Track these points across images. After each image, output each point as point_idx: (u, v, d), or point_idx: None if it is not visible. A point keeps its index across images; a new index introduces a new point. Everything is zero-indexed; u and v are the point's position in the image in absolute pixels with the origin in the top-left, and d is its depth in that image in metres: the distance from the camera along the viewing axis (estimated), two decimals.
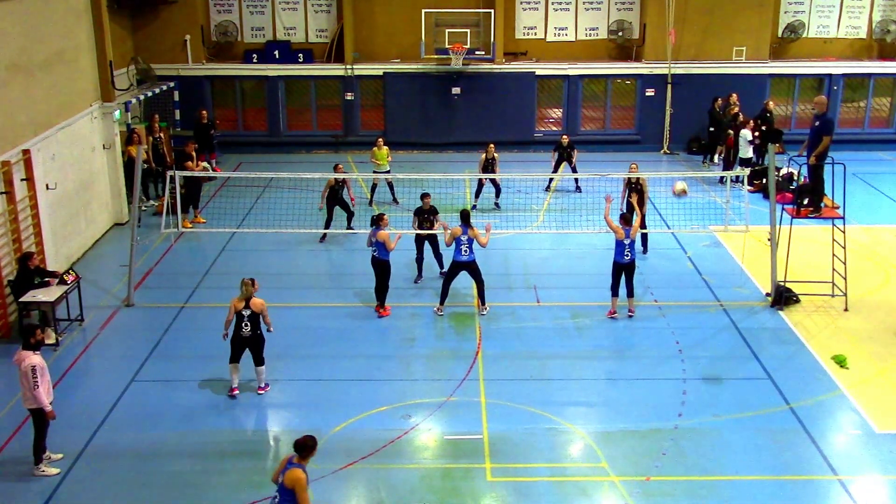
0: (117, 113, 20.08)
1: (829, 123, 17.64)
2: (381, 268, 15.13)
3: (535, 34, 26.98)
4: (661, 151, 26.60)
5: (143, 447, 11.42)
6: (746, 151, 22.49)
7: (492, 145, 20.90)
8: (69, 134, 17.79)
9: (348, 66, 26.03)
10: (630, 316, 15.21)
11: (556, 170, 22.22)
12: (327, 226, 18.74)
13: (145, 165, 19.99)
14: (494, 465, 11.04)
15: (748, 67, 26.20)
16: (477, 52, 25.58)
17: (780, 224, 16.24)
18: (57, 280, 14.70)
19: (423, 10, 25.13)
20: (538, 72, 26.32)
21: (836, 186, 15.97)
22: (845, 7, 26.90)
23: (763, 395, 12.71)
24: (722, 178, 21.26)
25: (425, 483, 10.71)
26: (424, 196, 16.52)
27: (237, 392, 12.64)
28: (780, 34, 26.80)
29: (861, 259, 17.65)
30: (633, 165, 17.72)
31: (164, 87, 24.17)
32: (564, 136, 22.62)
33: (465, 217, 15.19)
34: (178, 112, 25.30)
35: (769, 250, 16.00)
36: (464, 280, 15.49)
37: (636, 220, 15.33)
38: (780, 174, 20.76)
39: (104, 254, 18.49)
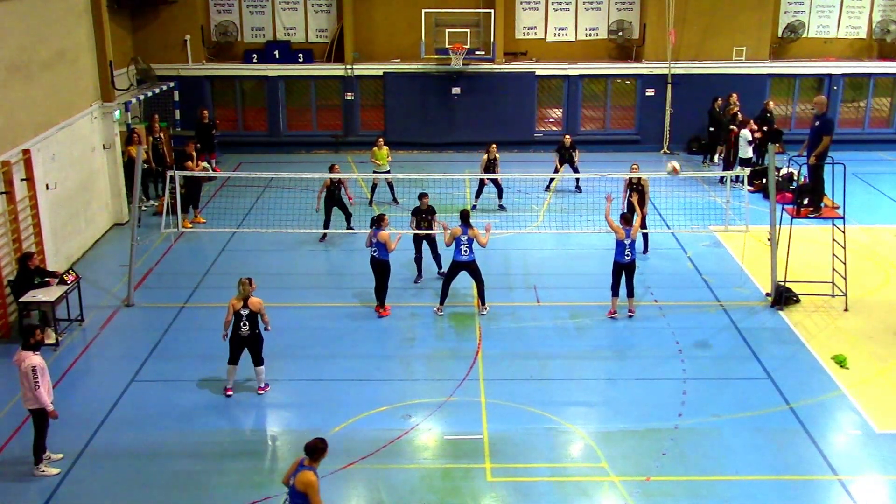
0: (117, 113, 20.08)
1: (829, 123, 17.64)
2: (381, 268, 15.13)
3: (535, 34, 26.98)
4: (661, 151, 26.59)
5: (143, 447, 11.42)
6: (746, 151, 22.50)
7: (493, 146, 20.89)
8: (69, 134, 17.79)
9: (348, 66, 26.03)
10: (630, 316, 15.21)
11: (557, 170, 22.20)
12: (326, 226, 18.74)
13: (145, 165, 19.99)
14: (494, 465, 11.05)
15: (748, 67, 26.20)
16: (477, 52, 25.58)
17: (780, 224, 16.24)
18: (57, 280, 14.70)
19: (423, 10, 25.13)
20: (538, 72, 26.32)
21: (836, 186, 15.98)
22: (845, 7, 26.90)
23: (763, 395, 12.71)
24: (722, 178, 21.27)
25: (425, 483, 10.71)
26: (423, 196, 16.51)
27: (231, 392, 12.64)
28: (780, 34, 26.80)
29: (861, 259, 17.65)
30: (635, 166, 17.71)
31: (164, 87, 24.18)
32: (567, 137, 22.59)
33: (464, 217, 15.19)
34: (178, 112, 25.30)
35: (769, 250, 16.00)
36: (464, 280, 15.49)
37: (637, 220, 15.33)
38: (780, 174, 20.76)
39: (104, 254, 18.49)
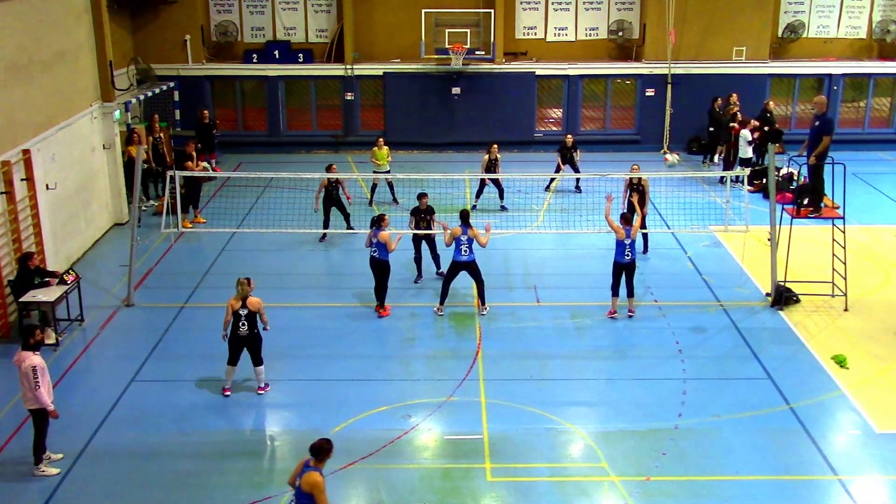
0: (117, 113, 20.08)
1: (829, 123, 17.64)
2: (381, 268, 15.13)
3: (535, 34, 26.98)
4: (661, 151, 26.57)
5: (143, 447, 11.42)
6: (746, 151, 22.50)
7: (495, 146, 20.87)
8: (69, 134, 17.79)
9: (348, 66, 26.03)
10: (630, 316, 15.21)
11: (558, 170, 22.16)
12: (325, 226, 18.73)
13: (145, 165, 19.99)
14: (494, 465, 11.05)
15: (748, 67, 26.20)
16: (477, 52, 25.58)
17: (780, 224, 16.24)
18: (57, 280, 14.70)
19: (423, 10, 25.13)
20: (538, 72, 26.32)
21: (836, 186, 15.98)
22: (845, 7, 26.90)
23: (763, 395, 12.71)
24: (722, 178, 21.27)
25: (425, 483, 10.71)
26: (422, 196, 16.48)
27: (229, 393, 12.65)
28: (780, 34, 26.80)
29: (861, 259, 17.65)
30: (635, 167, 17.72)
31: (164, 87, 24.18)
32: (569, 136, 22.55)
33: (464, 217, 15.18)
34: (178, 112, 25.30)
35: (769, 250, 16.00)
36: (464, 280, 15.49)
37: (637, 219, 15.32)
38: (780, 174, 20.76)
39: (104, 254, 18.49)
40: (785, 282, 15.68)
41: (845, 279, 15.56)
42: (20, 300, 14.21)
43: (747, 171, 19.77)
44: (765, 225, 16.92)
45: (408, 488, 10.60)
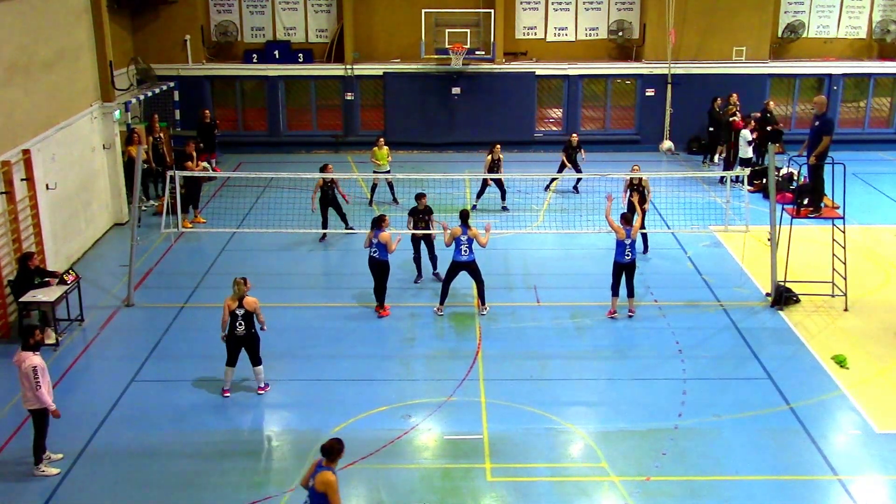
0: (117, 113, 20.08)
1: (829, 123, 17.63)
2: (381, 268, 15.13)
3: (535, 34, 26.99)
4: (667, 151, 26.56)
5: (143, 447, 11.42)
6: (746, 151, 22.51)
7: (498, 146, 20.82)
8: (69, 134, 17.79)
9: (348, 66, 26.03)
10: (630, 316, 15.21)
11: (561, 170, 22.11)
12: (324, 226, 18.72)
13: (145, 165, 19.99)
14: (494, 465, 11.04)
15: (748, 67, 26.20)
16: (477, 52, 25.58)
17: (780, 224, 16.24)
18: (57, 280, 14.69)
19: (423, 10, 25.14)
20: (538, 72, 26.32)
21: (836, 186, 15.98)
22: (845, 7, 26.91)
23: (763, 395, 12.71)
24: (722, 178, 21.28)
25: (425, 483, 10.71)
26: (421, 196, 16.45)
27: (228, 394, 12.65)
28: (780, 34, 26.81)
29: (861, 259, 17.65)
30: (636, 167, 17.72)
31: (164, 87, 24.18)
32: (574, 136, 22.49)
33: (464, 217, 15.18)
34: (178, 112, 25.31)
35: (769, 250, 16.00)
36: (464, 280, 15.48)
37: (637, 219, 15.32)
38: (780, 174, 20.77)
39: (104, 254, 18.49)
40: (785, 282, 15.68)
41: (845, 279, 15.56)
42: (20, 300, 14.20)
43: (747, 171, 19.77)
44: (765, 225, 16.92)
45: (408, 488, 10.60)
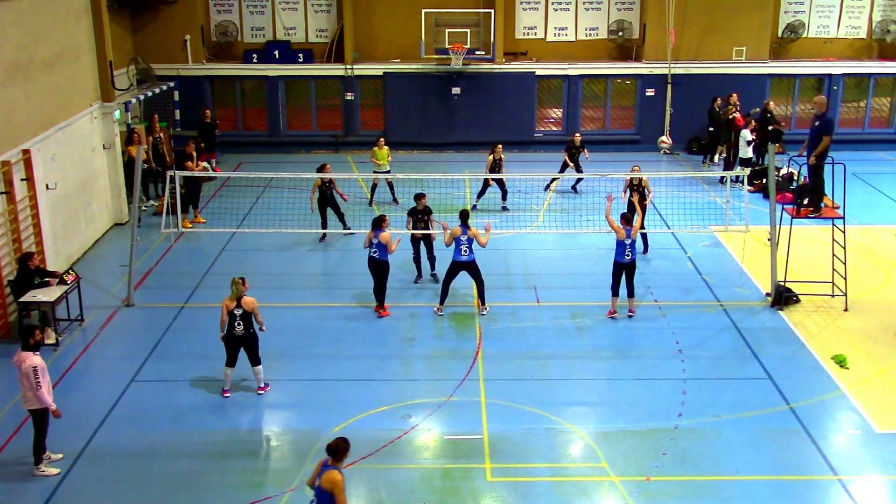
0: (117, 113, 20.08)
1: (829, 123, 17.62)
2: (381, 269, 15.13)
3: (535, 34, 26.99)
4: (661, 152, 26.57)
5: (143, 447, 11.42)
6: (746, 151, 22.52)
7: (500, 146, 20.81)
8: (69, 134, 17.79)
9: (348, 66, 26.03)
10: (630, 316, 15.21)
11: (563, 170, 22.07)
12: (324, 226, 18.72)
13: (145, 165, 19.99)
14: (494, 465, 11.04)
15: (748, 67, 26.20)
16: (477, 52, 25.58)
17: (780, 224, 16.24)
18: (57, 280, 14.69)
19: (423, 10, 25.14)
20: (538, 72, 26.32)
21: (836, 186, 15.97)
22: (845, 7, 26.91)
23: (763, 395, 12.71)
24: (722, 178, 21.28)
25: (425, 483, 10.71)
26: (420, 197, 16.42)
27: (228, 394, 12.65)
28: (780, 34, 26.81)
29: (861, 259, 17.65)
30: (636, 167, 17.72)
31: (164, 87, 24.18)
32: (577, 135, 22.44)
33: (464, 217, 15.18)
34: (178, 112, 25.30)
35: (769, 250, 16.00)
36: (464, 280, 15.48)
37: (637, 219, 15.32)
38: (780, 174, 20.77)
39: (104, 254, 18.50)
40: (785, 282, 15.68)
41: (845, 279, 15.56)
42: (20, 300, 14.20)
43: (747, 171, 19.77)
44: (765, 225, 16.92)
45: (408, 488, 10.60)
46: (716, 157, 24.91)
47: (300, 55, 26.12)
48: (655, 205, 20.23)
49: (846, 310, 15.45)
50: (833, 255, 15.78)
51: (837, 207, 17.81)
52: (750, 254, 17.54)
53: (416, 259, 16.72)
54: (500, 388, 12.83)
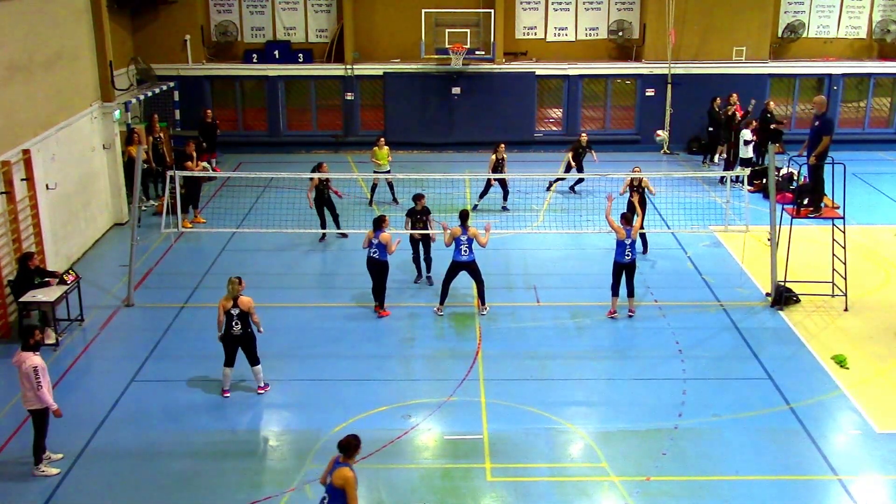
0: (117, 113, 20.08)
1: (829, 123, 17.61)
2: (380, 269, 15.13)
3: (535, 34, 26.99)
4: (661, 151, 26.58)
5: (143, 447, 11.42)
6: (746, 151, 22.52)
7: (502, 145, 20.79)
8: (69, 134, 17.79)
9: (348, 66, 26.03)
10: (630, 316, 15.21)
11: (568, 170, 22.04)
12: (323, 226, 18.71)
13: (145, 165, 19.99)
14: (494, 465, 11.04)
15: (748, 67, 26.20)
16: (477, 52, 25.58)
17: (780, 224, 16.24)
18: (57, 280, 14.69)
19: (423, 10, 25.14)
20: (538, 72, 26.32)
21: (836, 186, 15.97)
22: (845, 7, 26.91)
23: (763, 395, 12.71)
24: (722, 178, 21.28)
25: (425, 483, 10.71)
26: (419, 197, 16.39)
27: (228, 394, 12.65)
28: (780, 34, 26.81)
29: (861, 259, 17.65)
30: (637, 168, 17.72)
31: (164, 87, 24.18)
32: (583, 135, 22.36)
33: (464, 217, 15.18)
34: (178, 112, 25.30)
35: (769, 250, 16.00)
36: (464, 280, 15.48)
37: (637, 220, 15.32)
38: (780, 174, 20.77)
39: (104, 254, 18.49)
40: (785, 282, 15.68)
41: (845, 279, 15.56)
42: (20, 300, 14.20)
43: (747, 171, 19.77)
44: (765, 225, 16.92)
45: (408, 488, 10.60)
46: (716, 157, 24.91)
47: (300, 55, 26.12)
48: (655, 205, 20.24)
49: (846, 310, 15.45)
50: (833, 255, 15.78)
51: (837, 207, 17.79)
52: (750, 254, 17.54)
53: (416, 259, 16.72)
54: (500, 388, 12.83)
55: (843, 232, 15.73)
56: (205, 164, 20.76)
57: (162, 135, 22.13)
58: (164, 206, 16.65)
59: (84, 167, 18.56)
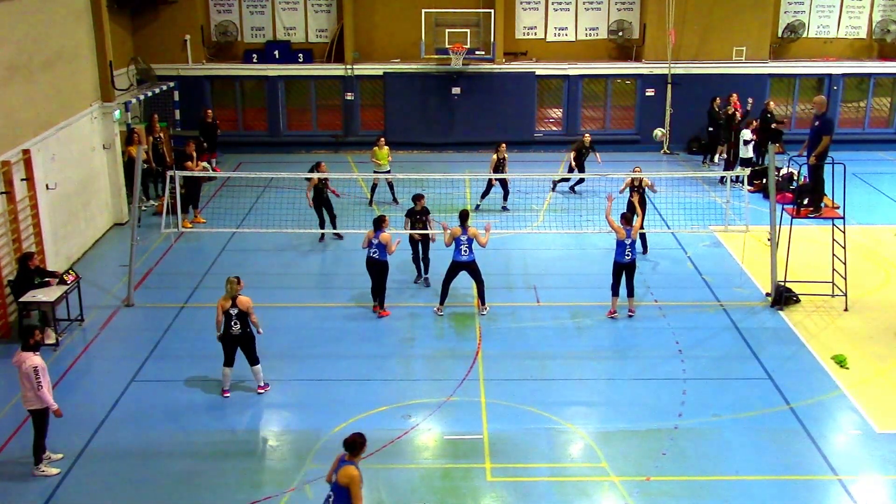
0: (117, 113, 20.08)
1: (829, 123, 17.62)
2: (380, 269, 15.13)
3: (535, 34, 26.99)
4: (661, 151, 26.59)
5: (143, 447, 11.42)
6: (746, 151, 22.52)
7: (503, 145, 20.80)
8: (69, 134, 17.78)
9: (348, 66, 26.03)
10: (630, 316, 15.21)
11: (571, 170, 22.01)
12: (322, 226, 18.71)
13: (145, 165, 19.99)
14: (494, 465, 11.04)
15: (748, 67, 26.20)
16: (477, 52, 25.58)
17: (780, 224, 16.24)
18: (57, 280, 14.69)
19: (423, 10, 25.14)
20: (538, 72, 26.32)
21: (836, 186, 15.97)
22: (845, 7, 26.91)
23: (763, 395, 12.71)
24: (722, 178, 21.28)
25: (425, 483, 10.71)
26: (418, 198, 16.37)
27: (228, 394, 12.65)
28: (780, 34, 26.82)
29: (861, 259, 17.66)
30: (637, 168, 17.72)
31: (164, 87, 24.18)
32: (587, 136, 22.30)
33: (463, 217, 15.18)
34: (178, 112, 25.30)
35: (769, 250, 16.00)
36: (464, 280, 15.48)
37: (637, 220, 15.32)
38: (780, 174, 20.77)
39: (104, 254, 18.49)
40: (785, 282, 15.68)
41: (845, 279, 15.56)
42: (20, 300, 14.20)
43: (747, 171, 19.77)
44: (765, 225, 16.92)
45: (408, 488, 10.60)
46: (716, 157, 24.91)
47: (300, 55, 26.12)
48: (655, 205, 20.25)
49: (846, 310, 15.45)
50: (833, 255, 15.78)
51: (837, 207, 17.80)
52: (750, 254, 17.54)
53: (416, 259, 16.71)
54: (500, 388, 12.83)
55: (843, 232, 15.73)
56: (205, 164, 20.76)
57: (162, 135, 22.13)
58: (164, 206, 16.65)
59: (84, 167, 18.56)
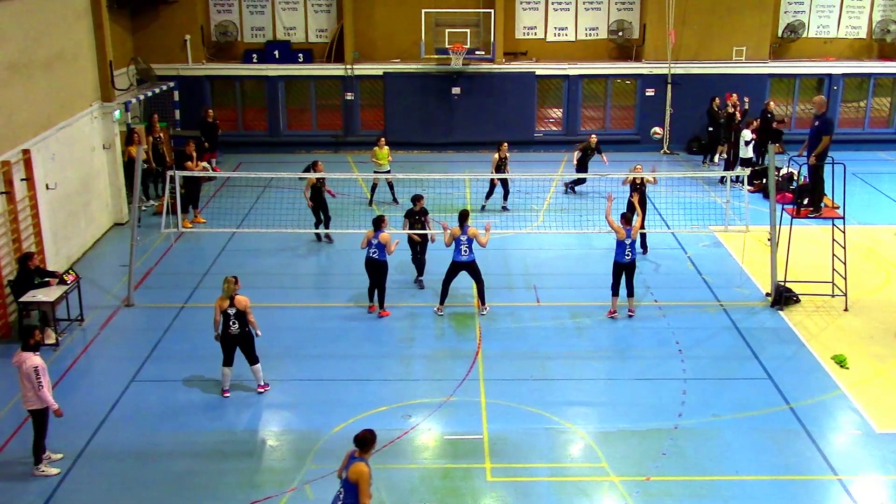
0: (117, 113, 20.08)
1: (829, 123, 17.62)
2: (379, 269, 15.13)
3: (535, 34, 26.99)
4: (661, 151, 26.60)
5: (143, 447, 11.42)
6: (746, 151, 22.52)
7: (505, 144, 20.77)
8: (69, 134, 17.78)
9: (348, 66, 26.03)
10: (630, 316, 15.21)
11: (578, 171, 21.95)
12: (319, 226, 18.69)
13: (145, 165, 19.99)
14: (494, 465, 11.04)
15: (748, 67, 26.20)
16: (477, 52, 25.59)
17: (780, 224, 16.24)
18: (57, 280, 14.69)
19: (423, 10, 25.14)
20: (538, 72, 26.32)
21: (836, 186, 15.97)
22: (845, 7, 26.92)
23: (763, 395, 12.71)
24: (722, 178, 21.28)
25: (425, 483, 10.71)
26: (418, 198, 16.35)
27: (228, 394, 12.65)
28: (780, 34, 26.82)
29: (861, 259, 17.66)
30: (638, 167, 17.72)
31: (164, 87, 24.17)
32: (593, 137, 22.19)
33: (463, 217, 15.17)
34: (177, 112, 25.30)
35: (769, 250, 16.00)
36: (464, 280, 15.48)
37: (637, 219, 15.32)
38: (780, 174, 20.76)
39: (104, 254, 18.49)
40: (785, 282, 15.68)
41: (845, 279, 15.56)
42: (20, 300, 14.20)
43: (747, 171, 19.76)
44: (765, 225, 16.92)
45: (408, 488, 10.60)
46: (716, 158, 24.92)
47: (300, 55, 26.12)
48: (655, 205, 20.24)
49: (846, 310, 15.45)
50: (833, 255, 15.78)
51: (837, 207, 17.80)
52: (750, 254, 17.54)
53: (415, 260, 16.70)
54: (500, 388, 12.83)
55: (843, 232, 15.73)
56: (205, 164, 20.75)
57: (162, 135, 22.13)
58: (164, 206, 16.64)
59: (84, 167, 18.56)
